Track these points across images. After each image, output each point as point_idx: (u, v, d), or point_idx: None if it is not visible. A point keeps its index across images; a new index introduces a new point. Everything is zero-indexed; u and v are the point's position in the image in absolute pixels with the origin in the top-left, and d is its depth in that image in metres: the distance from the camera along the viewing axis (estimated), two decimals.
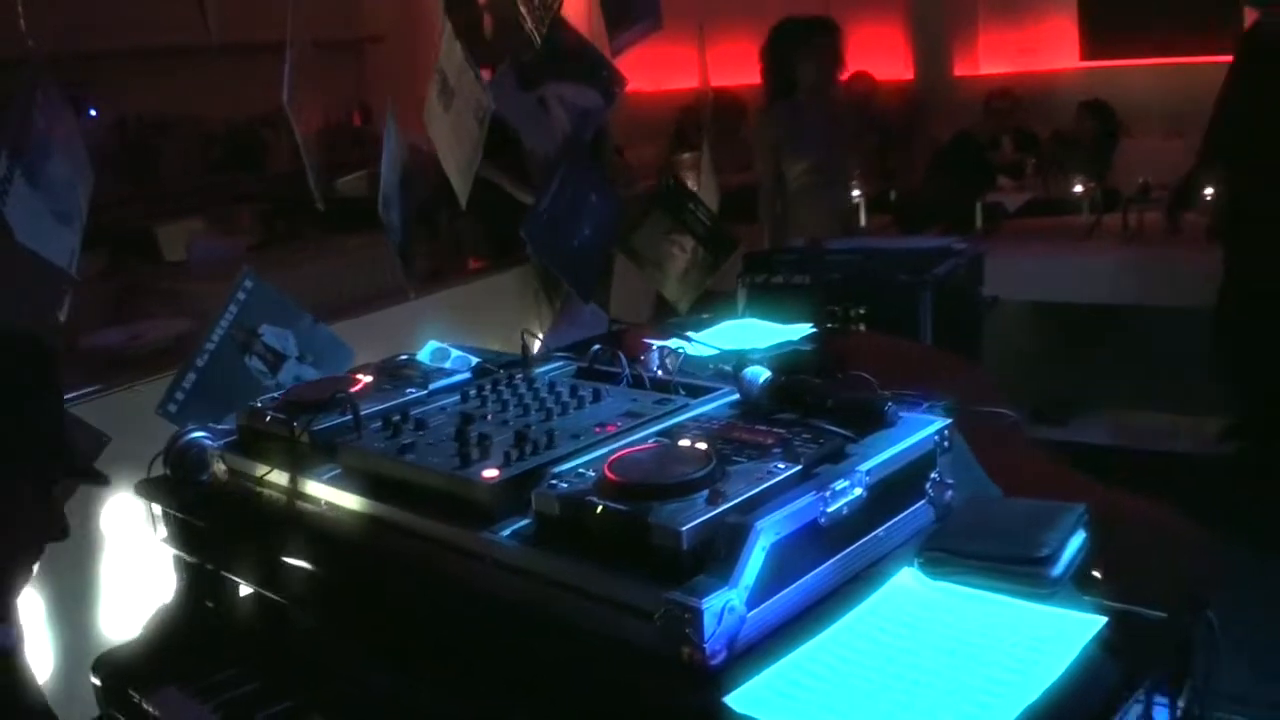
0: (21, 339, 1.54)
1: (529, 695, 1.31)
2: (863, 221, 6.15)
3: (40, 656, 2.69)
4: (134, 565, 2.85)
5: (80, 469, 1.82)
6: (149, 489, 1.95)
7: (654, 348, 2.11)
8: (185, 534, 1.91)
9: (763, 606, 1.22)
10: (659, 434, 1.50)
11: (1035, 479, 1.79)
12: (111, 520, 2.87)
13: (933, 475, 1.46)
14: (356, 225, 4.43)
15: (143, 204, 5.55)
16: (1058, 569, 1.28)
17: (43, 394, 1.53)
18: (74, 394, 2.81)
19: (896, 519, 1.41)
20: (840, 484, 1.31)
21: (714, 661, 1.16)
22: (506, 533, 1.38)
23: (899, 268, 3.43)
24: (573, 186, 3.19)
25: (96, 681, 1.92)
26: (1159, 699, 1.27)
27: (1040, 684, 1.12)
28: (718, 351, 2.10)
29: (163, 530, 1.97)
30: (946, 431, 1.48)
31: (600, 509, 1.27)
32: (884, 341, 2.70)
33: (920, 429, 1.46)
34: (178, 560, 1.96)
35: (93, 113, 5.65)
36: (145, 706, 1.83)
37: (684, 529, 1.20)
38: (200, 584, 1.92)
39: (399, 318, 3.64)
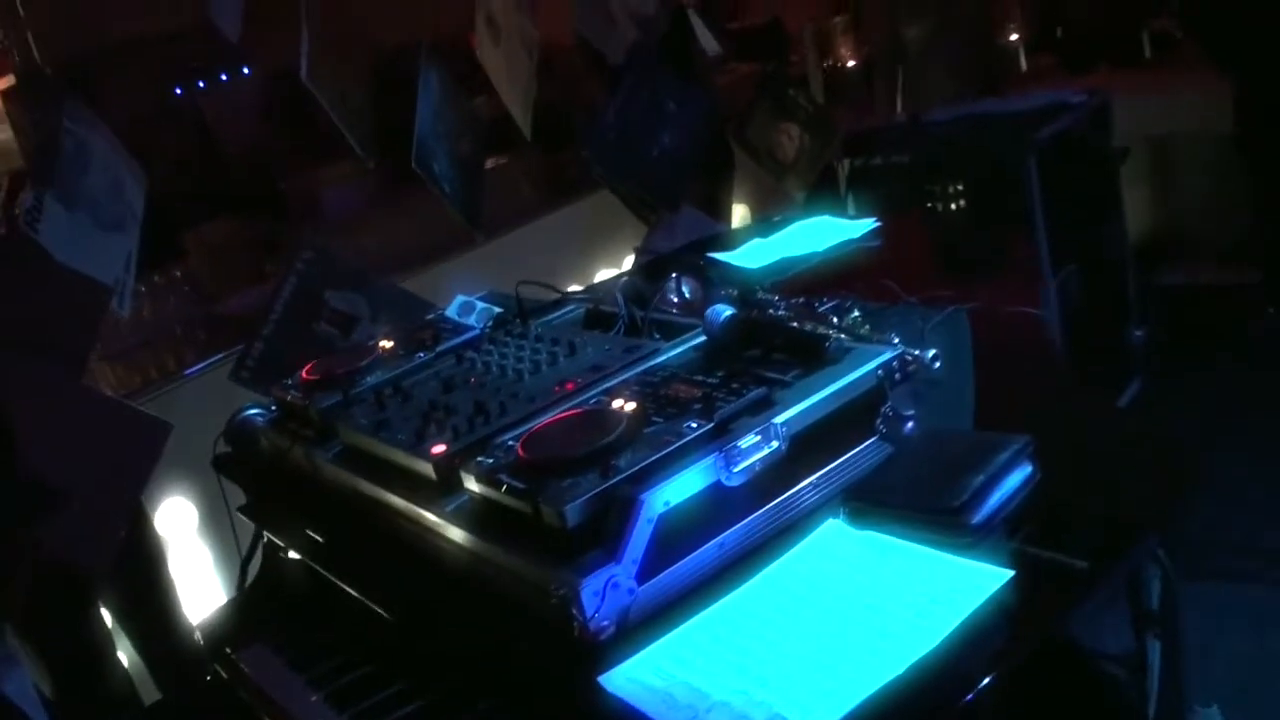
0: None
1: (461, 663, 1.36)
2: (1023, 66, 5.75)
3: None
4: None
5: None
6: (218, 463, 2.10)
7: (672, 277, 2.08)
8: (247, 504, 2.06)
9: (661, 576, 1.21)
10: (605, 392, 1.49)
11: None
12: None
13: (884, 410, 1.39)
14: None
15: (300, 154, 5.77)
16: (977, 516, 1.20)
17: None
18: (201, 364, 3.04)
19: (839, 462, 1.35)
20: (748, 440, 1.27)
21: (602, 637, 1.16)
22: (451, 506, 1.42)
23: (1002, 134, 3.16)
24: (645, 95, 3.12)
25: (200, 641, 2.10)
26: None
27: (929, 641, 1.07)
28: (741, 269, 2.04)
29: (237, 500, 2.13)
30: (897, 363, 1.40)
31: (505, 487, 1.29)
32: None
33: (863, 364, 1.39)
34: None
35: (246, 71, 5.91)
36: (238, 663, 2.00)
37: (567, 507, 1.20)
38: (266, 549, 2.06)
39: (507, 250, 3.65)
